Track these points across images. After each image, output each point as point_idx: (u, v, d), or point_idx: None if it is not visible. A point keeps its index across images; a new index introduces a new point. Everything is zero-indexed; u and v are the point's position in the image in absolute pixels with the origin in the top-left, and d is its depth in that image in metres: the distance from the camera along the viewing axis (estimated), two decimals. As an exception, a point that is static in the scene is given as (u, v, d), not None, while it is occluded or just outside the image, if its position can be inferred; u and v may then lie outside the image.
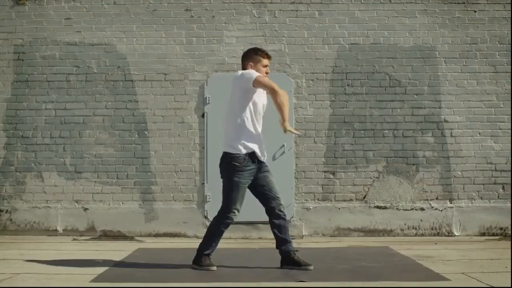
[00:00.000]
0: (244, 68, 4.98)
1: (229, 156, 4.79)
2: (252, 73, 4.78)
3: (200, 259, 4.88)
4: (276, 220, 4.88)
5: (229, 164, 4.78)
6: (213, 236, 4.90)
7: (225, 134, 4.90)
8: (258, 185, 4.88)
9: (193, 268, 4.88)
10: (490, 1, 7.36)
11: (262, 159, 4.87)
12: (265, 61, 4.95)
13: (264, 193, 4.88)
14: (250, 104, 4.81)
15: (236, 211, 4.81)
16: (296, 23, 7.33)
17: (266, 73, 4.94)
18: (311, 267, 4.85)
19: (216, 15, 7.33)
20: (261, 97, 4.91)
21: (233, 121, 4.81)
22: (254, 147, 4.80)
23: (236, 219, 4.88)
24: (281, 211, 4.89)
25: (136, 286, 4.33)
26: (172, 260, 5.40)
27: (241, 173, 4.76)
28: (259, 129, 4.89)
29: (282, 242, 4.90)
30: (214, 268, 4.84)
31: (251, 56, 4.96)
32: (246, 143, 4.77)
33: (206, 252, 4.89)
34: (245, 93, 4.79)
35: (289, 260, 4.89)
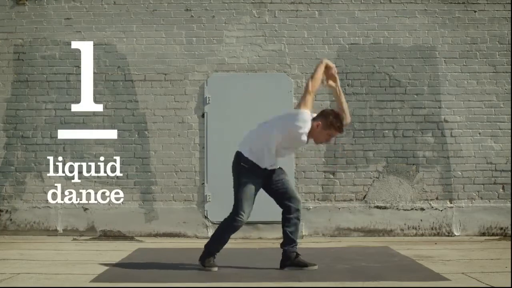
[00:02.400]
0: (314, 119, 4.75)
1: (240, 156, 4.80)
2: (306, 120, 4.64)
3: (206, 258, 4.88)
4: (292, 219, 4.87)
5: (239, 165, 4.78)
6: (221, 239, 4.90)
7: (248, 138, 4.86)
8: (273, 185, 4.86)
9: (199, 266, 4.88)
10: (490, 1, 7.36)
11: (269, 168, 4.83)
12: (333, 133, 4.79)
13: (280, 192, 4.87)
14: (281, 140, 4.73)
15: (243, 214, 4.75)
16: (296, 23, 7.33)
17: (326, 140, 4.84)
18: (316, 267, 4.88)
19: (216, 15, 7.33)
20: (294, 144, 4.85)
21: (262, 137, 4.76)
22: (261, 163, 4.76)
23: (244, 223, 4.82)
24: (298, 210, 4.88)
25: (136, 286, 4.34)
26: (172, 260, 5.39)
27: (249, 174, 4.75)
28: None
29: (289, 242, 4.89)
30: (216, 269, 4.84)
31: (328, 121, 4.70)
32: (258, 157, 4.74)
33: (214, 252, 4.90)
34: (285, 130, 4.71)
35: (293, 261, 4.89)
